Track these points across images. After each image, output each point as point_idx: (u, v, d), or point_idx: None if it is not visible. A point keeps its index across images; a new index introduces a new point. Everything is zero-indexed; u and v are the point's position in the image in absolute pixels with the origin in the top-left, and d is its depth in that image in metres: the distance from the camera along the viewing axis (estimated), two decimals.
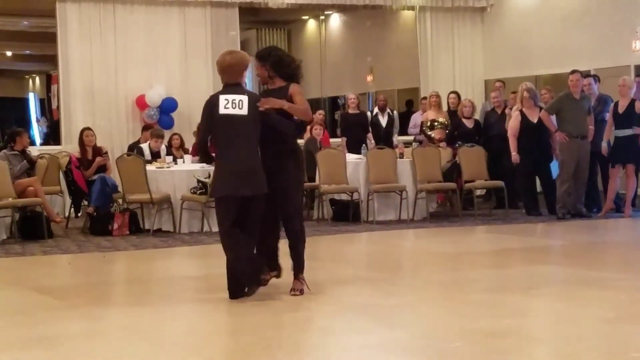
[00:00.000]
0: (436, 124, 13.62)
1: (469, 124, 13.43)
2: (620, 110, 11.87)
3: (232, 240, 6.92)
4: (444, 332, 5.77)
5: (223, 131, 6.81)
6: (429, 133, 13.54)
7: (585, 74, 12.60)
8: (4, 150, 11.46)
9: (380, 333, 5.79)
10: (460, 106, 13.77)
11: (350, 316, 6.35)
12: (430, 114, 13.88)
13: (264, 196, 6.84)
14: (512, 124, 12.39)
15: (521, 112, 12.38)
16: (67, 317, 6.53)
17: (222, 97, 6.82)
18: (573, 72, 12.04)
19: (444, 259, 9.14)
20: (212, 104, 6.85)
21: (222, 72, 6.97)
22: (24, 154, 11.66)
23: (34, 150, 12.84)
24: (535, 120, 12.17)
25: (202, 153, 7.39)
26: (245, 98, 6.83)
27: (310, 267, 8.75)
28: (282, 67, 7.19)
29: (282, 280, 7.43)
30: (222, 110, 6.77)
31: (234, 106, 6.78)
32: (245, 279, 6.88)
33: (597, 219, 11.94)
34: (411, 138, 14.50)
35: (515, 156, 12.22)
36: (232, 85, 6.91)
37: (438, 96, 14.04)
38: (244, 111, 6.80)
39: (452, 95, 14.25)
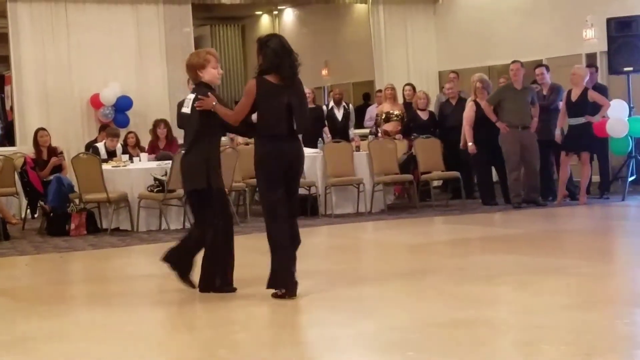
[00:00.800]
0: (392, 116, 13.68)
1: (423, 115, 13.53)
2: (574, 98, 12.00)
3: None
4: (407, 323, 5.80)
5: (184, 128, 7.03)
6: (384, 126, 13.60)
7: (537, 64, 12.73)
8: None
9: (348, 325, 5.81)
10: (415, 98, 13.86)
11: (315, 310, 6.37)
12: (386, 106, 13.94)
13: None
14: (467, 115, 12.50)
15: (475, 102, 12.48)
16: (27, 319, 6.47)
17: (187, 97, 7.02)
18: (514, 62, 12.19)
19: (404, 251, 9.19)
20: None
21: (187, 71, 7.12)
22: None
23: None
24: None
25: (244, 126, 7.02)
26: (192, 96, 6.97)
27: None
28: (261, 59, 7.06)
29: (245, 277, 7.44)
30: (183, 109, 7.04)
31: (186, 105, 7.02)
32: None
33: (553, 207, 12.07)
34: (367, 131, 14.57)
35: (471, 147, 12.32)
36: (198, 85, 7.07)
37: (393, 88, 14.10)
38: (188, 109, 6.98)
39: (408, 87, 14.34)
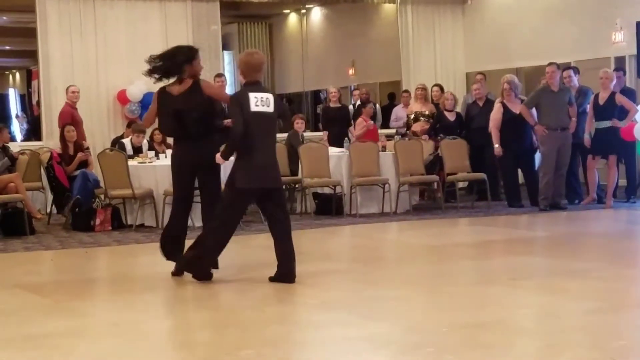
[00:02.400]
0: (422, 117, 13.63)
1: (450, 116, 13.48)
2: (601, 102, 11.93)
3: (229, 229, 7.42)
4: (428, 325, 5.79)
5: (252, 127, 7.13)
6: (413, 126, 13.55)
7: (565, 66, 12.65)
8: None
9: (365, 326, 5.80)
10: (442, 99, 13.81)
11: (334, 310, 6.35)
12: (416, 106, 13.91)
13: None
14: (494, 116, 12.44)
15: (503, 104, 12.43)
16: (51, 315, 6.50)
17: (251, 95, 7.15)
18: (550, 64, 12.09)
19: (427, 252, 9.16)
20: (240, 101, 7.18)
21: (251, 70, 7.29)
22: (4, 150, 11.59)
23: (14, 147, 12.79)
24: (517, 112, 12.21)
25: (235, 145, 7.35)
26: (271, 96, 7.26)
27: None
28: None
29: (262, 278, 7.45)
30: (253, 108, 7.11)
31: (262, 104, 7.16)
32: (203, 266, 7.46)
33: (579, 210, 12.00)
34: (393, 131, 14.52)
35: (498, 148, 12.27)
36: (257, 84, 7.28)
37: (424, 88, 14.07)
38: (270, 109, 7.22)
39: (435, 88, 14.30)
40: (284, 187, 13.23)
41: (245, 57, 7.43)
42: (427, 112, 13.69)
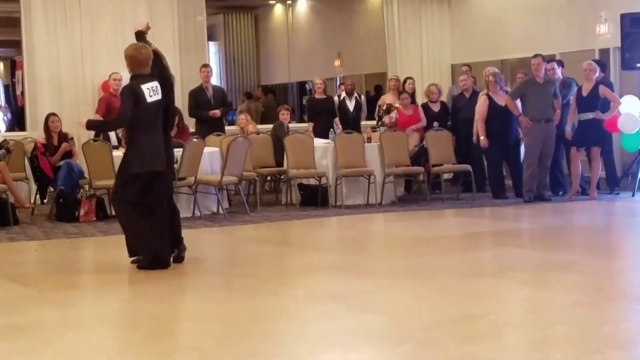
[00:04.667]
0: (393, 108, 13.60)
1: (435, 107, 13.49)
2: (585, 93, 11.96)
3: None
4: (415, 317, 5.80)
5: (150, 116, 7.56)
6: (384, 117, 13.52)
7: (549, 59, 12.68)
8: None
9: (353, 318, 5.80)
10: (426, 91, 13.81)
11: (322, 302, 6.35)
12: (388, 98, 13.89)
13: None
14: (480, 109, 12.47)
15: (488, 96, 12.45)
16: (35, 306, 6.47)
17: (144, 87, 7.50)
18: (535, 56, 12.11)
19: (414, 243, 9.17)
20: (137, 92, 7.49)
21: (139, 65, 7.60)
22: None
23: None
24: (503, 104, 12.24)
25: (113, 128, 8.44)
26: (157, 83, 7.64)
27: (281, 253, 8.81)
28: None
29: (248, 270, 7.45)
30: (148, 99, 7.49)
31: (153, 93, 7.55)
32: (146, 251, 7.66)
33: (564, 201, 12.04)
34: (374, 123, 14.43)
35: (484, 140, 12.29)
36: (145, 75, 7.60)
37: (397, 80, 14.08)
38: (159, 96, 7.62)
39: (409, 81, 14.18)
40: (268, 178, 13.34)
41: (132, 51, 7.68)
42: (397, 104, 13.66)
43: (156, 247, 7.62)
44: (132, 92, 7.53)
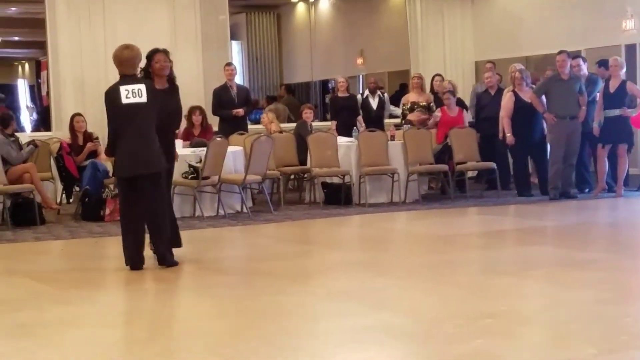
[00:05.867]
0: (417, 106, 13.57)
1: None
2: (611, 90, 11.88)
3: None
4: (436, 315, 5.78)
5: (126, 118, 7.47)
6: (408, 116, 13.49)
7: (574, 55, 12.60)
8: (1, 136, 11.31)
9: (373, 316, 5.79)
10: (440, 88, 13.73)
11: (343, 300, 6.34)
12: (412, 96, 13.85)
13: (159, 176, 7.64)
14: (506, 105, 12.39)
15: (514, 92, 12.39)
16: (55, 304, 6.51)
17: (122, 88, 7.46)
18: (560, 52, 12.03)
19: (435, 241, 9.15)
20: (111, 96, 7.50)
21: (122, 65, 7.59)
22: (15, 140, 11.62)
23: (24, 137, 12.80)
24: (529, 101, 12.18)
25: (112, 140, 7.76)
26: (143, 87, 7.53)
27: (303, 251, 8.81)
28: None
29: (270, 268, 7.45)
30: (124, 100, 7.44)
31: (133, 95, 7.45)
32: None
33: (590, 199, 11.97)
34: (399, 120, 14.42)
35: (509, 137, 12.23)
36: (130, 76, 7.56)
37: (420, 78, 14.02)
38: (143, 99, 7.49)
39: (437, 78, 14.19)
40: (292, 176, 13.34)
41: (116, 51, 7.69)
42: (423, 102, 13.63)
43: (130, 251, 7.63)
44: (107, 97, 7.59)
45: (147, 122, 7.61)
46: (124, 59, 7.58)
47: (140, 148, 7.55)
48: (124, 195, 7.72)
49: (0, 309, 6.40)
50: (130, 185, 7.59)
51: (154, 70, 7.92)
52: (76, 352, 5.16)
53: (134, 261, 7.60)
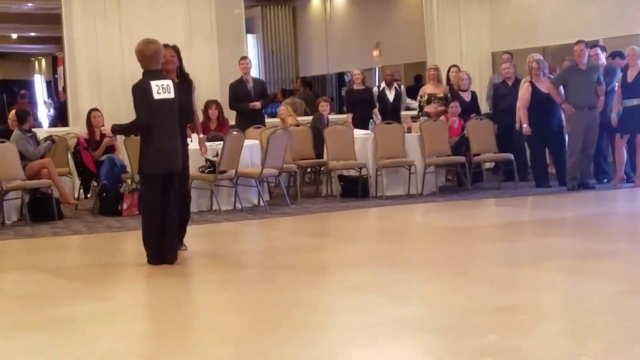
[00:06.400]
0: (434, 98, 13.52)
1: (466, 97, 13.36)
2: (630, 79, 11.80)
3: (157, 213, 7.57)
4: (455, 308, 5.76)
5: (158, 114, 7.45)
6: (425, 108, 13.45)
7: (592, 44, 12.52)
8: (18, 132, 11.36)
9: (392, 310, 5.78)
10: (456, 79, 13.67)
11: (361, 293, 6.33)
12: (428, 88, 13.80)
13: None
14: (523, 96, 12.33)
15: (531, 83, 12.32)
16: (78, 298, 6.54)
17: (153, 84, 7.43)
18: (578, 42, 11.95)
19: (453, 234, 9.12)
20: (144, 90, 7.44)
21: (147, 60, 7.55)
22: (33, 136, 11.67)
23: (41, 132, 12.85)
24: (546, 91, 12.11)
25: (138, 131, 7.90)
26: (171, 82, 7.53)
27: (320, 244, 8.81)
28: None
29: (288, 262, 7.44)
30: (156, 96, 7.40)
31: (163, 91, 7.44)
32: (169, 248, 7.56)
33: (608, 189, 11.90)
34: (416, 112, 14.38)
35: (526, 128, 12.17)
36: (156, 72, 7.53)
37: (437, 69, 13.95)
38: (171, 95, 7.53)
39: (454, 69, 14.12)
40: (309, 170, 13.32)
41: (139, 46, 7.61)
42: (440, 94, 13.57)
43: (157, 244, 7.57)
44: (140, 90, 7.48)
45: (175, 118, 7.64)
46: (150, 53, 7.52)
47: (171, 145, 7.56)
48: (150, 192, 7.61)
49: (25, 304, 6.45)
50: (158, 182, 7.55)
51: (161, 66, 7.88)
52: (107, 345, 5.18)
53: (159, 256, 7.54)
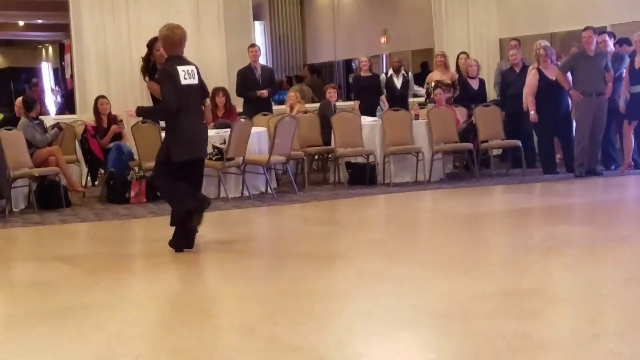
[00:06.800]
0: (441, 85, 13.48)
1: (474, 84, 13.33)
2: (637, 66, 11.76)
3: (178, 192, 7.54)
4: (465, 294, 5.76)
5: (185, 99, 7.36)
6: (433, 94, 13.42)
7: (600, 31, 12.46)
8: (25, 120, 11.36)
9: (402, 296, 5.79)
10: (465, 66, 13.64)
11: (372, 281, 6.34)
12: (436, 75, 13.77)
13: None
14: (530, 83, 12.30)
15: (538, 70, 12.28)
16: (87, 286, 6.56)
17: (180, 69, 7.37)
18: (586, 28, 11.91)
19: (462, 220, 9.12)
20: (172, 75, 7.35)
21: (173, 46, 7.46)
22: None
23: (49, 120, 12.85)
24: (553, 78, 12.07)
25: (165, 117, 7.82)
26: (194, 68, 7.54)
27: (329, 232, 8.81)
28: None
29: (298, 249, 7.44)
30: (183, 81, 7.34)
31: (189, 76, 7.40)
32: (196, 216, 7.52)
33: (616, 176, 11.87)
34: (422, 99, 14.36)
35: (533, 115, 12.14)
36: (180, 57, 7.49)
37: (444, 56, 13.92)
38: (195, 80, 7.50)
39: (463, 56, 14.08)
40: (316, 157, 13.33)
41: (165, 31, 7.51)
42: (447, 81, 13.54)
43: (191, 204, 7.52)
44: (168, 75, 7.40)
45: (199, 104, 7.64)
46: (177, 39, 7.46)
47: (196, 131, 7.53)
48: (169, 176, 7.49)
49: (37, 292, 6.47)
50: (185, 168, 7.49)
51: (155, 58, 7.91)
52: (123, 333, 5.19)
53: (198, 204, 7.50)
